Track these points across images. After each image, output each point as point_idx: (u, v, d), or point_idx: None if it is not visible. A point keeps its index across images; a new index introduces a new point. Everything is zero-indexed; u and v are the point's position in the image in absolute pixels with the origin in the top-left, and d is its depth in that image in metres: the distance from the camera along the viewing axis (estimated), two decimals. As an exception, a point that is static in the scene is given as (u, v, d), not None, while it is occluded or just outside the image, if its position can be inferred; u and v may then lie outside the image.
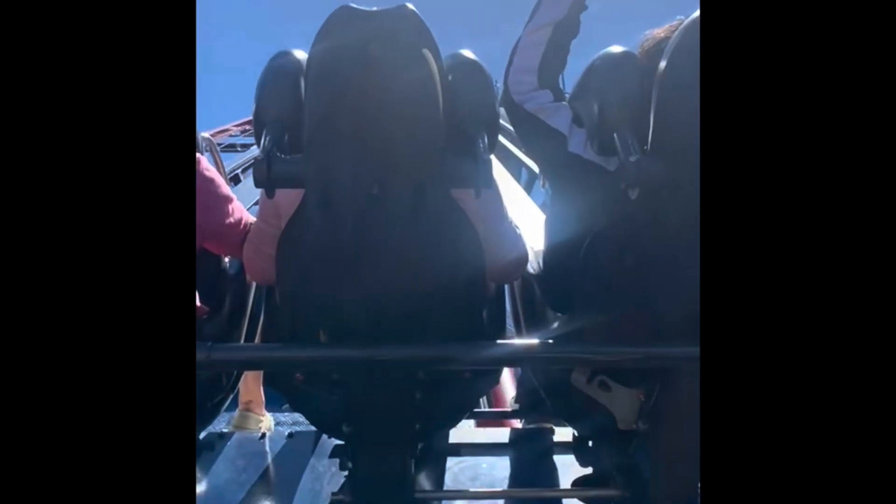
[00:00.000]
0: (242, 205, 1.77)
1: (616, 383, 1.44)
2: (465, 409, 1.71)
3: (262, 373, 2.26)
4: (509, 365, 2.14)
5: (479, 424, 2.57)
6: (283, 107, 1.29)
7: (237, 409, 2.36)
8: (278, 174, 1.16)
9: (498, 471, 1.95)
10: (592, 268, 1.41)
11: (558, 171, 1.55)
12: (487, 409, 2.70)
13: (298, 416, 2.34)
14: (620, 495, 1.53)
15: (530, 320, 1.81)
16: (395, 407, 1.39)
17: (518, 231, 1.56)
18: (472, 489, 1.86)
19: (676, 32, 1.19)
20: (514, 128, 1.55)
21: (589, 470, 1.77)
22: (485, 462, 1.97)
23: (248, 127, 10.07)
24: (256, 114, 1.35)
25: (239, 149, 9.51)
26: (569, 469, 1.86)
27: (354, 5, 1.12)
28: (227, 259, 1.90)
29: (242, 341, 1.88)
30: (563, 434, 2.03)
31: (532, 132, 1.50)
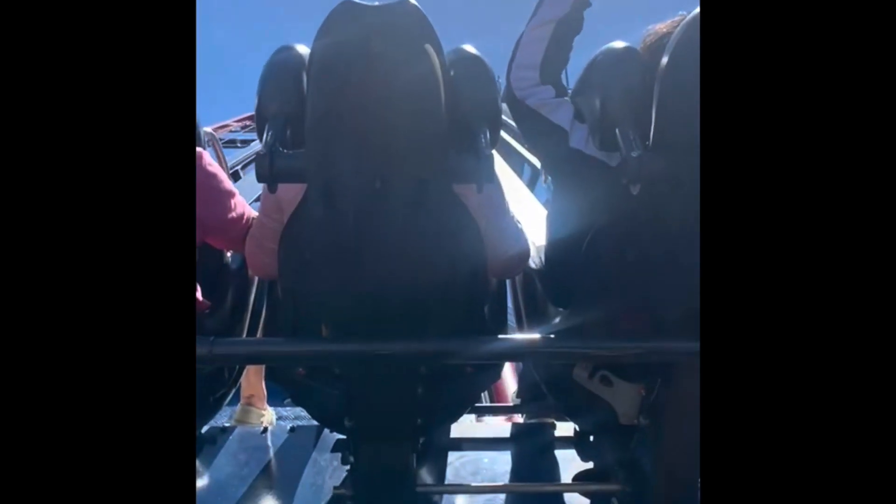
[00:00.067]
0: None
1: (618, 378, 1.45)
2: (466, 404, 1.72)
3: (264, 367, 2.27)
4: (510, 359, 2.14)
5: (480, 419, 2.58)
6: (286, 101, 1.29)
7: (239, 404, 2.36)
8: (280, 169, 1.16)
9: (499, 465, 1.95)
10: (594, 263, 1.42)
11: (560, 167, 1.55)
12: (489, 404, 2.70)
13: (300, 411, 2.35)
14: (621, 490, 1.53)
15: (532, 315, 1.82)
16: (396, 401, 1.40)
17: (520, 226, 1.56)
18: (473, 483, 1.87)
19: (678, 28, 1.19)
20: (515, 123, 1.55)
21: (590, 465, 1.77)
22: (486, 456, 1.97)
23: (248, 122, 10.04)
24: (258, 108, 1.35)
25: (239, 144, 9.47)
26: (570, 464, 1.86)
27: (357, 0, 1.12)
28: (229, 254, 1.91)
29: (244, 336, 1.88)
30: (565, 429, 2.03)
31: (534, 128, 1.50)
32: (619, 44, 1.40)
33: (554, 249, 1.65)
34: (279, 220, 1.39)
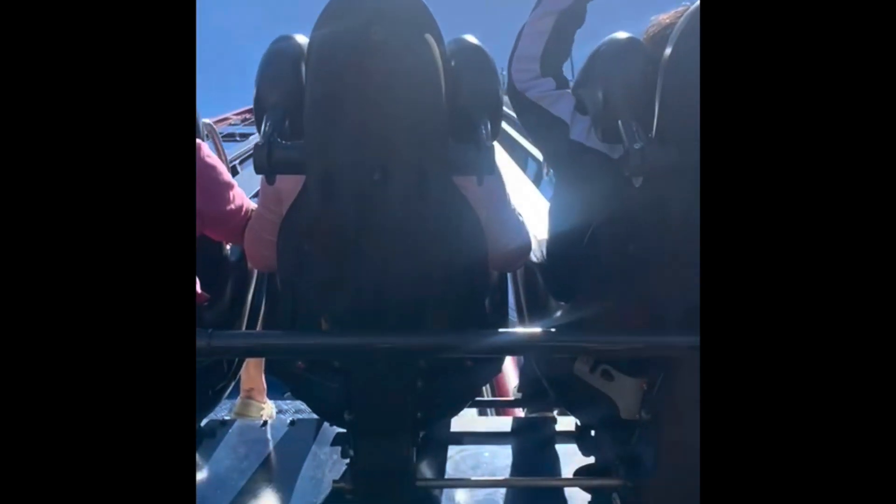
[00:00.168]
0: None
1: (619, 373, 1.44)
2: (466, 398, 1.71)
3: (263, 360, 2.27)
4: (511, 353, 2.14)
5: (481, 413, 2.58)
6: (284, 92, 1.28)
7: (239, 397, 2.36)
8: (279, 160, 1.15)
9: (500, 459, 1.95)
10: (595, 256, 1.41)
11: (561, 160, 1.54)
12: (490, 398, 2.70)
13: (300, 404, 2.35)
14: (623, 485, 1.53)
15: (533, 309, 1.81)
16: (396, 395, 1.39)
17: (521, 219, 1.55)
18: (473, 478, 1.86)
19: (682, 18, 1.18)
20: (517, 116, 1.54)
21: (591, 459, 1.77)
22: (487, 451, 1.97)
23: (248, 116, 9.97)
24: (257, 99, 1.34)
25: (238, 138, 9.41)
26: (571, 458, 1.86)
27: None
28: (228, 246, 1.90)
29: (244, 329, 1.88)
30: (566, 423, 2.02)
31: (535, 120, 1.49)
32: (622, 35, 1.39)
33: (555, 243, 1.64)
34: (278, 211, 1.38)
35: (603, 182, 1.38)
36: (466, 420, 2.19)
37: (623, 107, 1.29)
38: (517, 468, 1.94)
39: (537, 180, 6.90)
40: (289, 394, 2.03)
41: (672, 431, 1.38)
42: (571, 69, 1.51)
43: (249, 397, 2.35)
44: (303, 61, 1.24)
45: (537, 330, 1.39)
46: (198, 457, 1.92)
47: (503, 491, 1.79)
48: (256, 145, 1.14)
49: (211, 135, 2.68)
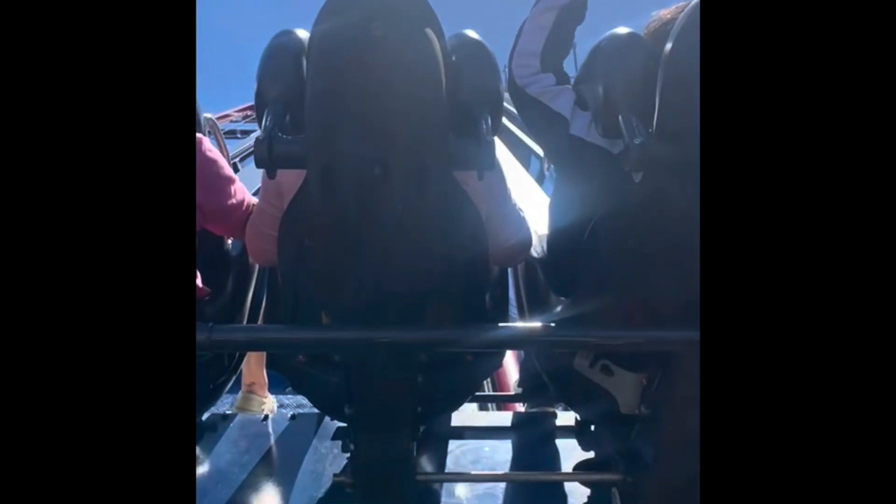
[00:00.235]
0: None
1: (619, 368, 1.44)
2: (467, 393, 1.71)
3: (264, 355, 2.28)
4: (511, 348, 2.14)
5: (481, 408, 2.58)
6: (285, 86, 1.28)
7: (240, 391, 2.37)
8: (279, 154, 1.15)
9: (500, 454, 1.96)
10: (595, 252, 1.41)
11: (561, 155, 1.54)
12: (490, 393, 2.70)
13: (301, 399, 2.36)
14: (622, 480, 1.53)
15: (533, 304, 1.81)
16: (396, 389, 1.39)
17: (522, 214, 1.55)
18: (473, 472, 1.87)
19: (682, 14, 1.18)
20: (517, 111, 1.54)
21: (591, 454, 1.78)
22: (487, 445, 1.98)
23: (249, 112, 9.95)
24: (258, 93, 1.33)
25: (239, 135, 9.38)
26: (571, 453, 1.87)
27: None
28: (229, 241, 1.90)
29: (245, 323, 1.88)
30: (566, 418, 2.03)
31: (535, 116, 1.49)
32: (622, 30, 1.39)
33: (556, 238, 1.64)
34: (279, 206, 1.38)
35: (603, 177, 1.38)
36: (467, 415, 2.19)
37: (623, 102, 1.29)
38: (517, 463, 1.94)
39: (540, 178, 6.90)
40: (290, 388, 2.03)
41: (671, 426, 1.38)
42: (575, 64, 1.51)
43: (251, 392, 2.36)
44: (304, 56, 1.24)
45: (537, 324, 1.39)
46: (199, 451, 1.93)
47: (503, 485, 1.79)
48: (257, 139, 1.14)
49: (213, 130, 2.69)
